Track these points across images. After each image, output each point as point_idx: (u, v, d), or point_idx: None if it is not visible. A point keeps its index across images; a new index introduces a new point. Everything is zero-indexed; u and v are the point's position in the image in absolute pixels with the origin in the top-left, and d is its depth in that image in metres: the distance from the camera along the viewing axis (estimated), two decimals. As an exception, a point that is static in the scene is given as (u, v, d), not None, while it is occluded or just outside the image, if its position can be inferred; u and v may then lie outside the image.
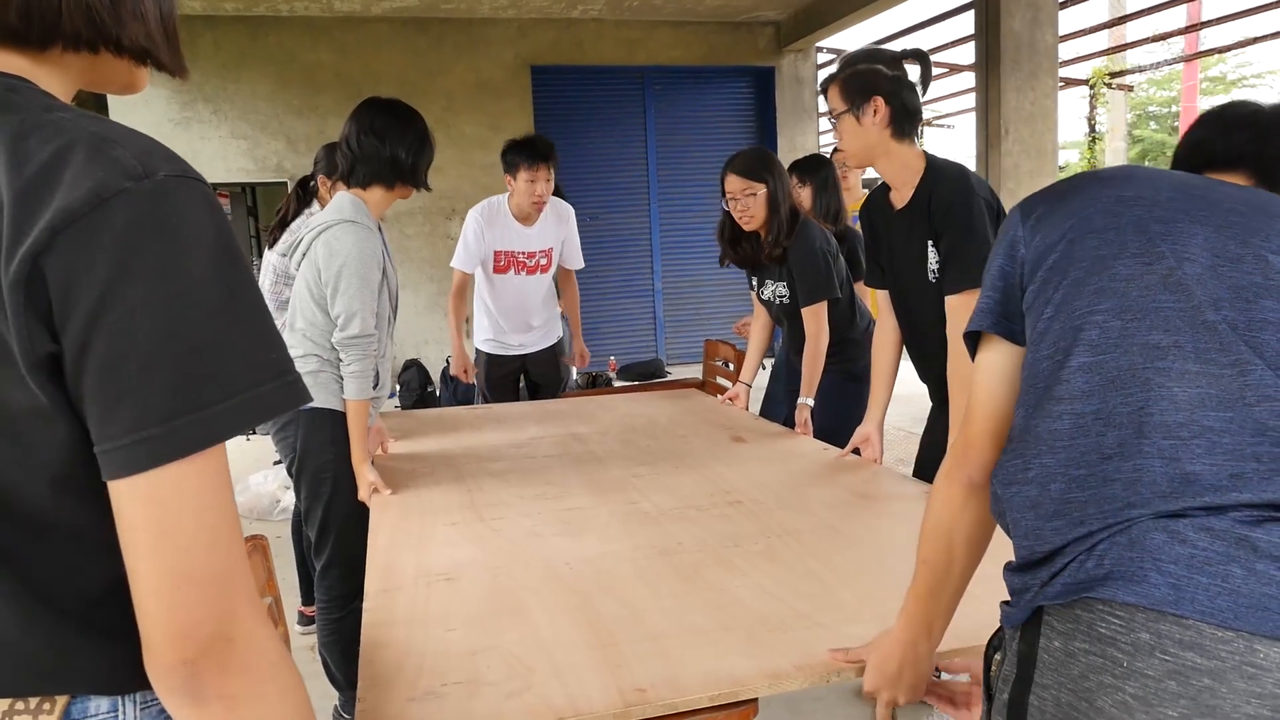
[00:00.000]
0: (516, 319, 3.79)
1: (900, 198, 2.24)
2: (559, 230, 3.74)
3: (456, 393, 6.37)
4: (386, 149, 2.30)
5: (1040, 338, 0.97)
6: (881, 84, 2.11)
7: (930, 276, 2.19)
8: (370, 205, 2.35)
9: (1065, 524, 0.88)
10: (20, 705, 0.70)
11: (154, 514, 0.64)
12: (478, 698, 1.22)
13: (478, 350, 3.90)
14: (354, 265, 2.24)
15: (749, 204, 2.90)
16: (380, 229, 2.37)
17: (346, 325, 2.25)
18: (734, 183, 2.92)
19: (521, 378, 3.98)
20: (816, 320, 2.90)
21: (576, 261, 3.85)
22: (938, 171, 2.17)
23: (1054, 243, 0.99)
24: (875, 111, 2.11)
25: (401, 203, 8.55)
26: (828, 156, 3.87)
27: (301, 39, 7.67)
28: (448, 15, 7.83)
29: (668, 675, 1.26)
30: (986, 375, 1.07)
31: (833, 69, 2.24)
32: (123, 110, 7.33)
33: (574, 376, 5.71)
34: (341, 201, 2.34)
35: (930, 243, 2.17)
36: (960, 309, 2.09)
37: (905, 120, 2.14)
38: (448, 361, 6.66)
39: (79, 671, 0.71)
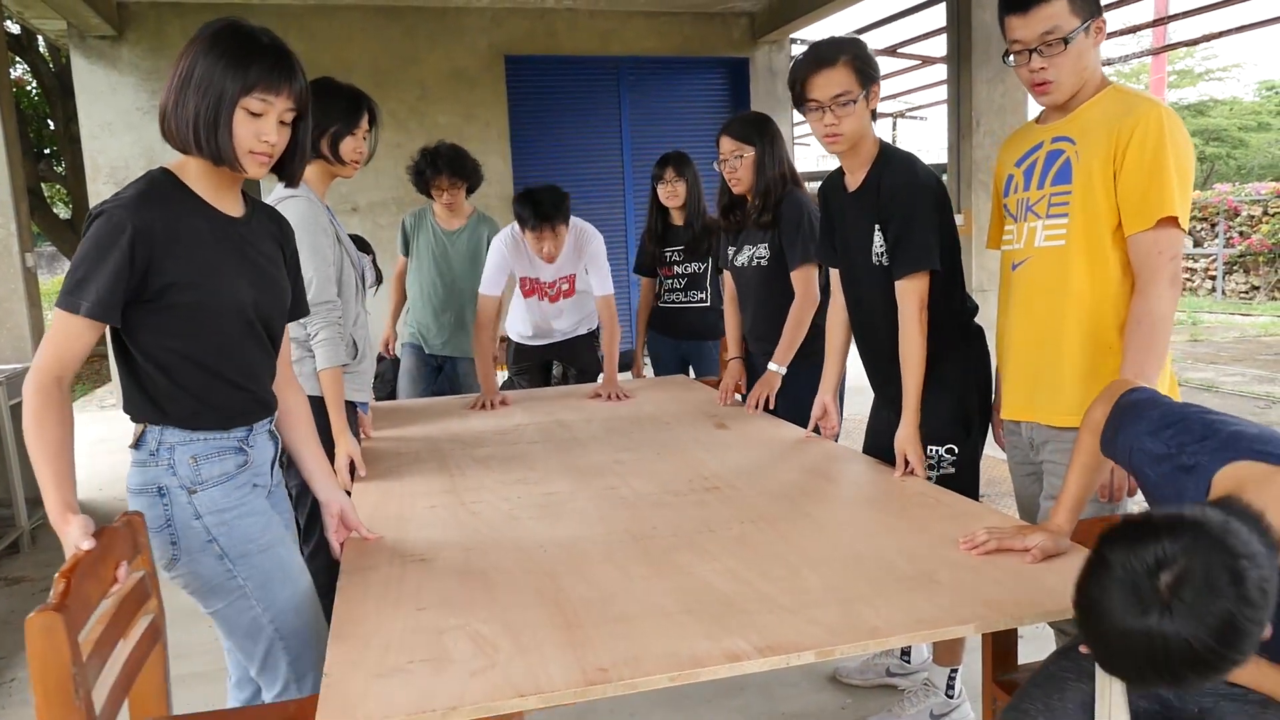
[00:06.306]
0: (544, 328, 3.83)
1: (854, 180, 2.30)
2: (576, 258, 3.58)
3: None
4: None
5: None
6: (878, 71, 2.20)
7: (875, 260, 2.25)
8: (310, 183, 2.40)
9: None
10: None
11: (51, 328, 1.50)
12: (442, 675, 1.24)
13: (507, 338, 3.95)
14: (301, 234, 2.26)
15: (737, 166, 2.98)
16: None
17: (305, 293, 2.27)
18: (726, 144, 2.99)
19: (554, 365, 3.99)
20: (805, 283, 2.90)
21: (600, 287, 3.54)
22: (887, 158, 2.23)
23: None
24: (875, 95, 2.18)
25: (375, 193, 8.42)
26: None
27: (271, 26, 7.48)
28: (421, 4, 7.78)
29: (630, 655, 1.28)
30: None
31: (815, 53, 2.18)
32: (91, 99, 7.24)
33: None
34: (279, 184, 2.39)
35: (877, 227, 2.23)
36: (908, 292, 2.15)
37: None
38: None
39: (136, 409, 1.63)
